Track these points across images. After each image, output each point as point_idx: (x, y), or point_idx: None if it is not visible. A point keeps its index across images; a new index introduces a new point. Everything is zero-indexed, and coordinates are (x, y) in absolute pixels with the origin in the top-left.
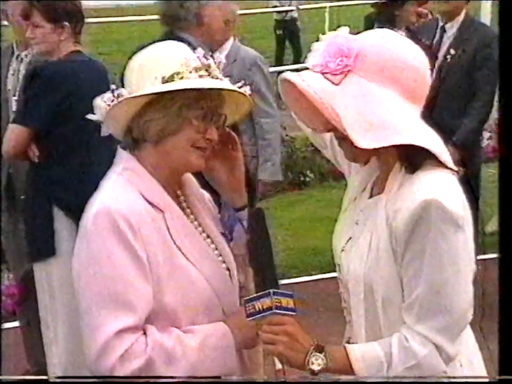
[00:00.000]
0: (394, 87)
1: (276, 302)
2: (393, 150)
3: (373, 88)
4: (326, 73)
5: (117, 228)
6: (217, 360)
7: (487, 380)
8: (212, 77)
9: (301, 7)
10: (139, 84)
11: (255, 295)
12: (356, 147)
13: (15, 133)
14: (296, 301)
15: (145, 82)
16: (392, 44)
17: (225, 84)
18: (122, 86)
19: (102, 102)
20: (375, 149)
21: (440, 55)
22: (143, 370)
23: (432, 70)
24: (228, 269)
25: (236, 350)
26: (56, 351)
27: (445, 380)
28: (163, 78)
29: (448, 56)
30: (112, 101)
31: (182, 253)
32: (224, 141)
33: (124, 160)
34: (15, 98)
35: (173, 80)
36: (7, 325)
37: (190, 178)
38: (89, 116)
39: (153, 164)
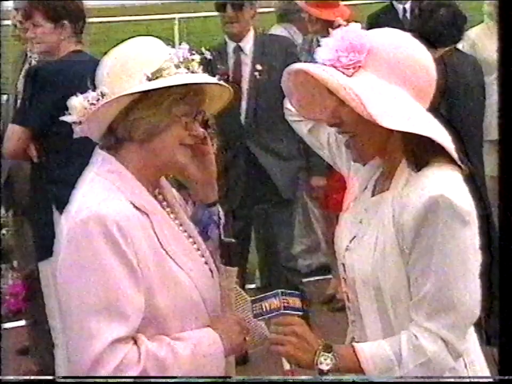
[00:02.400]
0: (404, 86)
1: (284, 302)
2: (400, 147)
3: (384, 85)
4: (337, 67)
5: (109, 235)
6: (207, 367)
7: (487, 380)
8: (192, 72)
9: None
10: (125, 80)
11: (262, 295)
12: (363, 145)
13: (14, 132)
14: (303, 300)
15: (132, 79)
16: (404, 43)
17: (215, 79)
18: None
19: (84, 102)
20: (382, 147)
21: (245, 74)
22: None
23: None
24: (210, 270)
25: (224, 356)
26: (63, 351)
27: (445, 380)
28: (151, 74)
29: (256, 73)
30: (98, 100)
31: (170, 256)
32: None
33: (104, 161)
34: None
35: (161, 76)
36: (7, 325)
37: (163, 178)
38: (65, 118)
39: (136, 165)
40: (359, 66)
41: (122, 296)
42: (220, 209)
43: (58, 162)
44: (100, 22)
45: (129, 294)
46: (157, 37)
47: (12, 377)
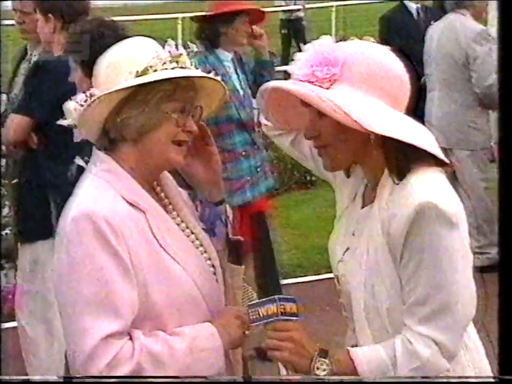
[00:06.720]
0: (379, 95)
1: (281, 308)
2: (379, 156)
3: (360, 96)
4: (313, 82)
5: (98, 232)
6: (206, 362)
7: (487, 380)
8: (182, 67)
9: (307, 6)
10: (113, 80)
11: (258, 300)
12: (337, 154)
13: (16, 122)
14: (299, 306)
15: (119, 78)
16: (376, 53)
17: (200, 72)
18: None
19: (74, 104)
20: (357, 156)
21: None
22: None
23: None
24: (213, 266)
25: (223, 350)
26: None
27: (445, 380)
28: (137, 72)
29: None
30: (86, 101)
31: (166, 252)
32: (198, 136)
33: (100, 161)
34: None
35: (147, 74)
36: (7, 325)
37: (167, 175)
38: (61, 122)
39: (132, 164)
40: (335, 80)
41: (114, 292)
42: (228, 208)
43: (55, 153)
44: None
45: (121, 289)
46: (159, 36)
47: (12, 377)
